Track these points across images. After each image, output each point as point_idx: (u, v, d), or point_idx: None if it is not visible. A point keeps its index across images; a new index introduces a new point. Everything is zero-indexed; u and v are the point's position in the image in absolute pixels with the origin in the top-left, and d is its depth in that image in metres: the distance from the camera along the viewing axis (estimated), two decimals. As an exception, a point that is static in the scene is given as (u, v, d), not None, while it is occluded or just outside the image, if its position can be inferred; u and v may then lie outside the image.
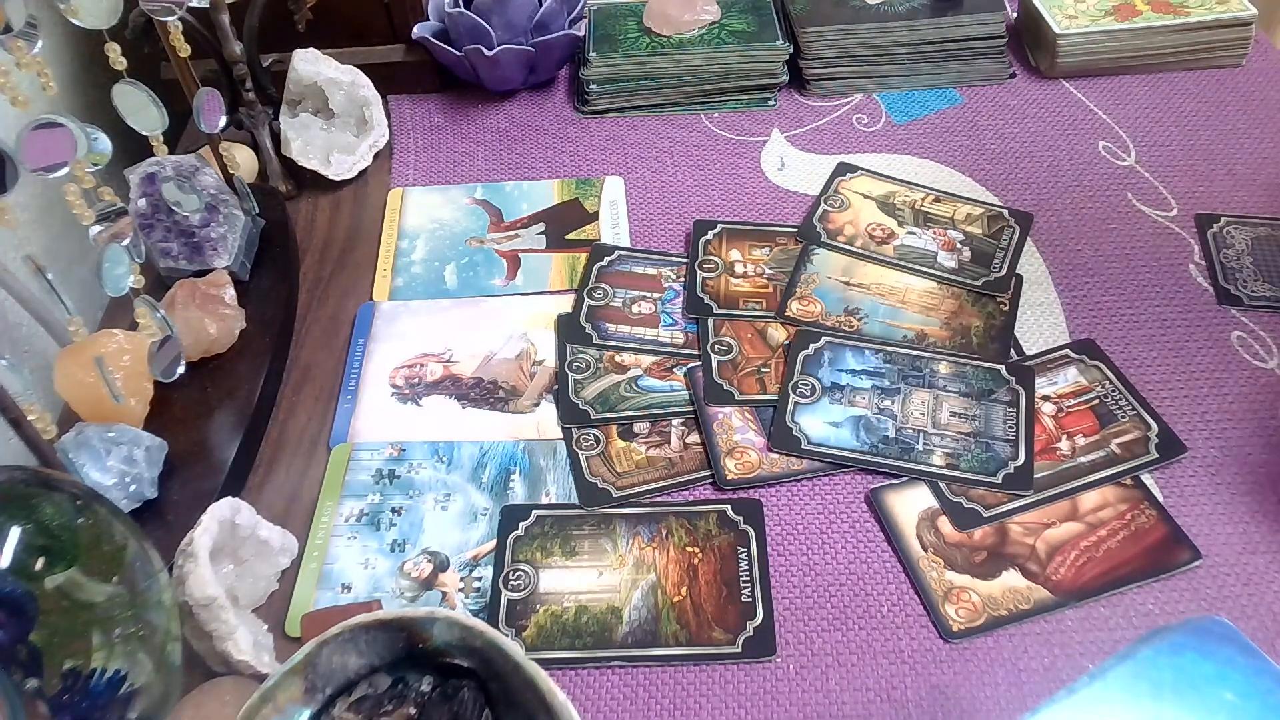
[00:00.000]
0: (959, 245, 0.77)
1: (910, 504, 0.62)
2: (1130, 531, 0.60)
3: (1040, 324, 0.72)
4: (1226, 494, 0.62)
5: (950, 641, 0.57)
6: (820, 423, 0.66)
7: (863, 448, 0.65)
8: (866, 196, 0.82)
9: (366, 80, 0.87)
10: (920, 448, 0.64)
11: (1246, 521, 0.61)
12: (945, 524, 0.61)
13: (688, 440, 0.67)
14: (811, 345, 0.70)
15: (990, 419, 0.66)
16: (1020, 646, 0.56)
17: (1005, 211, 0.80)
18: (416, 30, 0.90)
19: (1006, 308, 0.73)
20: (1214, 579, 0.58)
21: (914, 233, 0.78)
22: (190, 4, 0.68)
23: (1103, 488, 0.62)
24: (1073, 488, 0.62)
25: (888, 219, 0.79)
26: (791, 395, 0.68)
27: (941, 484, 0.63)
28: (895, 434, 0.65)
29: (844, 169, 0.84)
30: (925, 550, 0.60)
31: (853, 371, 0.69)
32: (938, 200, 0.81)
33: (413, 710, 0.47)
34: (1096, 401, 0.67)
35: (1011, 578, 0.59)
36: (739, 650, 0.57)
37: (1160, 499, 0.62)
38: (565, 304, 0.76)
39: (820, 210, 0.80)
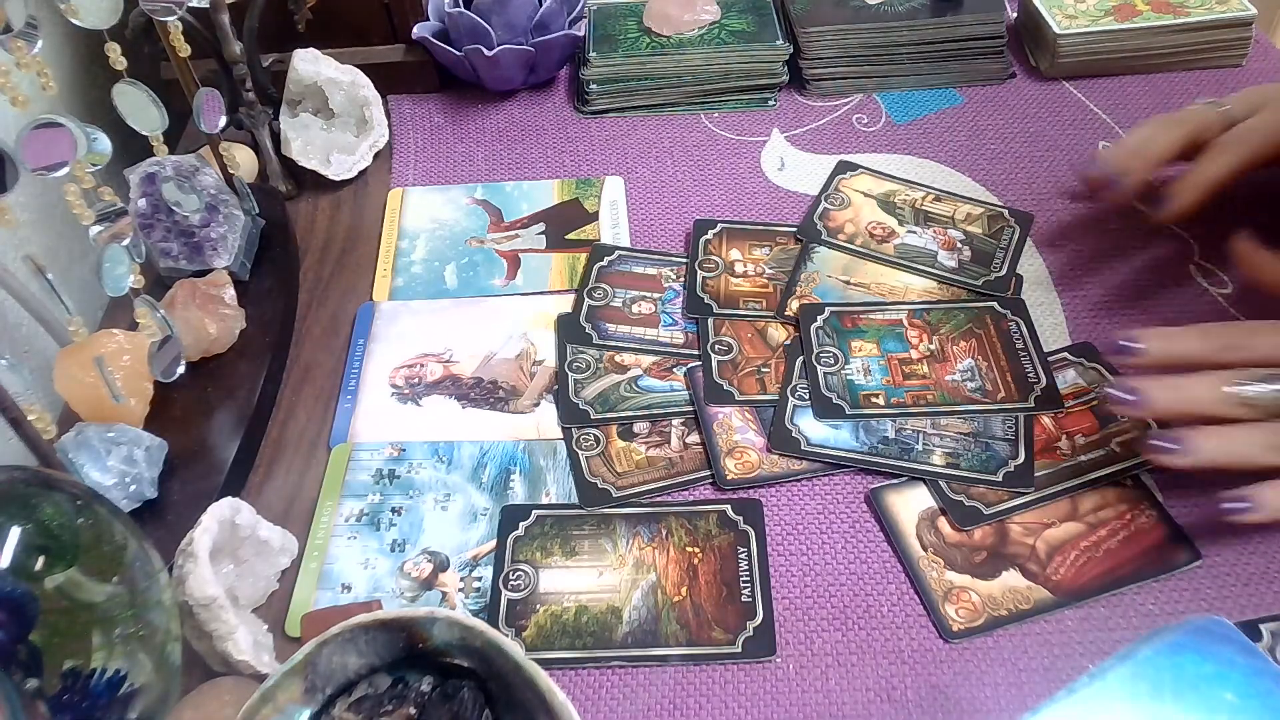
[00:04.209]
0: (959, 244, 0.77)
1: (910, 504, 0.62)
2: (1130, 532, 0.60)
3: (1040, 324, 0.72)
4: (1226, 494, 0.62)
5: (950, 641, 0.57)
6: (819, 424, 0.66)
7: (862, 448, 0.65)
8: (867, 195, 0.81)
9: (366, 80, 0.87)
10: (920, 448, 0.64)
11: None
12: (945, 524, 0.61)
13: (688, 440, 0.67)
14: (811, 345, 0.70)
15: (989, 419, 0.66)
16: (1020, 646, 0.56)
17: (1005, 211, 0.80)
18: (416, 30, 0.90)
19: (1006, 308, 0.73)
20: (1214, 579, 0.58)
21: (914, 231, 0.78)
22: (190, 4, 0.68)
23: (1102, 488, 0.62)
24: (1073, 485, 0.62)
25: (888, 217, 0.79)
26: (790, 398, 0.68)
27: (942, 483, 0.63)
28: (895, 434, 0.65)
29: (845, 166, 0.84)
30: (925, 550, 0.60)
31: (853, 371, 0.69)
32: (938, 199, 0.81)
33: (413, 710, 0.47)
34: (1096, 402, 0.67)
35: (1011, 578, 0.59)
36: (739, 650, 0.57)
37: (1160, 499, 0.62)
38: (565, 304, 0.76)
39: (821, 208, 0.80)
